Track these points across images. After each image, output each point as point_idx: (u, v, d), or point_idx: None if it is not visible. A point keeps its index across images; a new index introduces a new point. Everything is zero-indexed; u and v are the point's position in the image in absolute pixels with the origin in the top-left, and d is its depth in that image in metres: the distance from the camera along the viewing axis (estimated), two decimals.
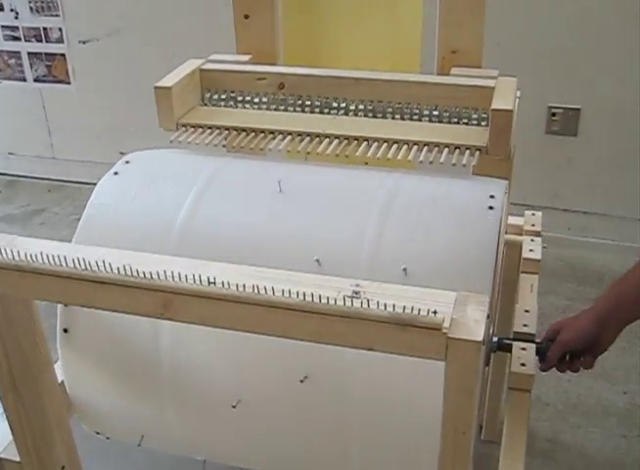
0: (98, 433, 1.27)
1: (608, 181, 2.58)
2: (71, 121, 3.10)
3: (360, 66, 1.40)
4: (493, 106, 1.20)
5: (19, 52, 2.96)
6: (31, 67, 2.97)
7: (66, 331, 1.14)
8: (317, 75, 1.38)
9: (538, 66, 2.46)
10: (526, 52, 2.45)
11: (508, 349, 1.24)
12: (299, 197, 1.18)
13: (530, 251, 1.50)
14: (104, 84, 2.97)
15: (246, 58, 1.47)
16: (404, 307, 0.78)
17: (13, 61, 2.98)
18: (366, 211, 1.13)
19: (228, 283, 0.83)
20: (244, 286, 0.82)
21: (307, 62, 1.43)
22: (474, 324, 0.79)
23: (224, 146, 1.31)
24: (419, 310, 0.78)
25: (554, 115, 2.53)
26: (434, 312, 0.78)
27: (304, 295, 0.80)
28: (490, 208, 1.12)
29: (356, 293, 0.83)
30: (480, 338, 0.78)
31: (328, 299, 0.80)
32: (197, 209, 1.17)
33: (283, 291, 0.81)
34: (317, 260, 1.07)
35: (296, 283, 0.84)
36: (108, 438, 1.29)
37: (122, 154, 3.16)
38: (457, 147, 1.24)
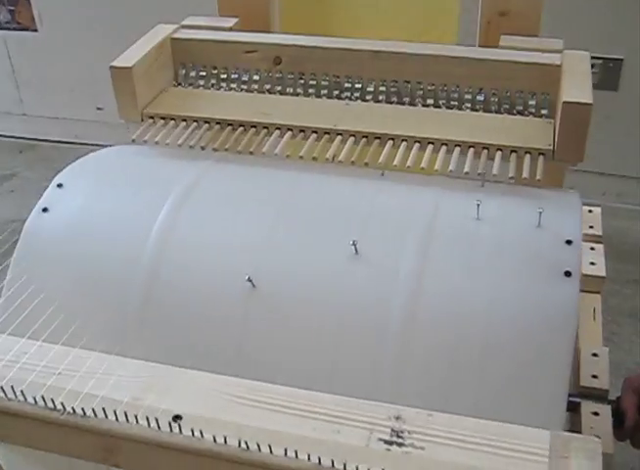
0: None
1: None
2: (42, 74, 2.75)
3: (380, 34, 1.08)
4: (565, 97, 0.89)
5: None
6: None
7: None
8: (324, 47, 1.05)
9: (573, 8, 2.10)
10: None
11: (574, 408, 0.95)
12: (306, 224, 0.87)
13: (592, 264, 1.19)
14: (77, 31, 2.61)
15: (230, 22, 1.14)
16: None
17: None
18: (399, 247, 0.83)
19: (201, 432, 0.53)
20: (225, 439, 0.52)
21: (311, 29, 1.10)
22: None
23: (203, 147, 0.99)
24: None
25: (592, 66, 2.19)
26: None
27: (320, 459, 0.50)
28: (568, 242, 0.82)
29: (399, 434, 0.54)
30: None
31: (357, 467, 0.50)
32: (166, 240, 0.87)
33: (286, 450, 0.51)
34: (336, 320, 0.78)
35: (303, 414, 0.54)
36: None
37: (100, 109, 2.82)
38: (513, 150, 0.93)
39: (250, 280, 0.81)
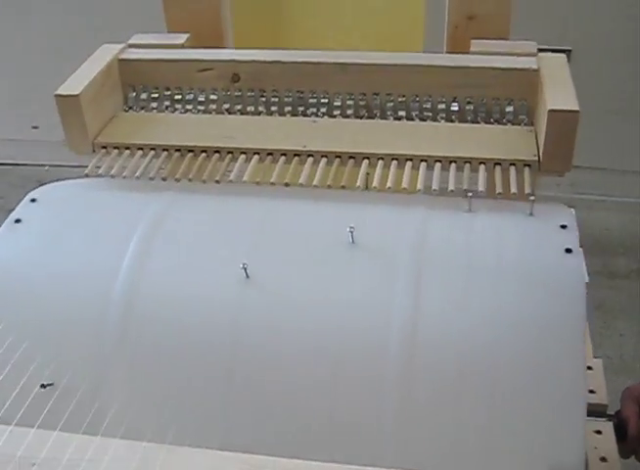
0: None
1: (602, 132, 2.25)
2: None
3: (341, 44, 1.02)
4: (551, 105, 0.84)
5: None
6: None
7: None
8: (284, 61, 0.99)
9: None
10: None
11: None
12: (287, 256, 0.81)
13: None
14: (8, 42, 2.49)
15: (181, 39, 1.07)
16: None
17: None
18: (391, 271, 0.78)
19: None
20: None
21: (268, 43, 1.03)
22: None
23: (164, 179, 0.91)
24: None
25: None
26: None
27: None
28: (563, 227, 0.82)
29: None
30: None
31: None
32: (138, 276, 0.80)
33: None
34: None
35: None
36: None
37: (35, 128, 2.70)
38: (497, 163, 0.88)
39: (244, 268, 0.77)
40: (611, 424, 0.92)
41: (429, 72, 0.95)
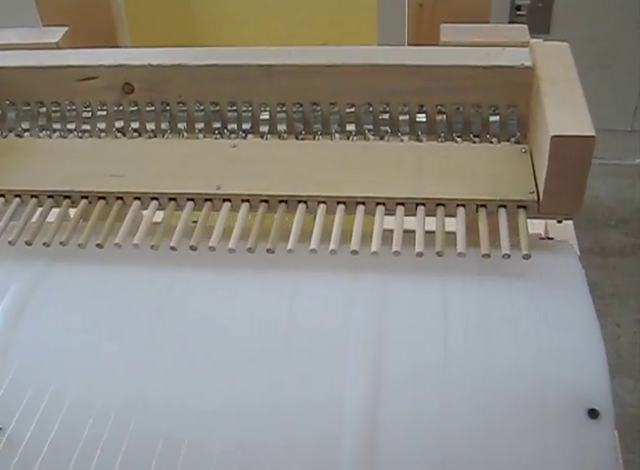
0: None
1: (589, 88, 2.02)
2: None
3: (270, 38, 0.76)
4: (555, 129, 0.59)
5: None
6: None
7: None
8: (191, 65, 0.73)
9: None
10: None
11: None
12: (200, 359, 0.59)
13: None
14: None
15: (56, 35, 0.80)
16: None
17: None
18: (338, 386, 0.56)
19: None
20: None
21: (174, 40, 0.77)
22: None
23: (29, 243, 0.66)
24: None
25: (519, 8, 1.92)
26: None
27: None
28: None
29: None
30: None
31: None
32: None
33: None
34: None
35: None
36: None
37: None
38: (482, 205, 0.64)
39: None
40: None
41: (386, 74, 0.70)
